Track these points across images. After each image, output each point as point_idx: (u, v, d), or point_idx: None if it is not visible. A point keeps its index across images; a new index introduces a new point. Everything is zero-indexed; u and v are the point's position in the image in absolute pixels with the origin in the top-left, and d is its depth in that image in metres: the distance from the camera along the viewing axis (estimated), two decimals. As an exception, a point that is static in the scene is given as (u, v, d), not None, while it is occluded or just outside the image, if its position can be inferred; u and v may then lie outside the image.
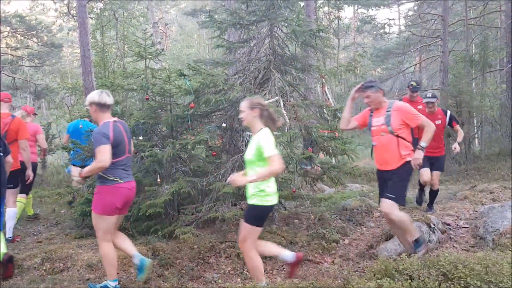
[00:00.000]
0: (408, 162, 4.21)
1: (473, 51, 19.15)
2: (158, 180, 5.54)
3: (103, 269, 4.45)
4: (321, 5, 23.58)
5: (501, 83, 17.78)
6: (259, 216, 3.67)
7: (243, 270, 4.61)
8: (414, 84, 6.78)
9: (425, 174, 6.20)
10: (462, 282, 3.29)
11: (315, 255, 5.01)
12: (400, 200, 4.18)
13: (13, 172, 5.05)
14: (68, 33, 26.15)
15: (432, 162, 6.31)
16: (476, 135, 14.87)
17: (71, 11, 16.30)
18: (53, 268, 4.53)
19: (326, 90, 7.16)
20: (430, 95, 6.42)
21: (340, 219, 6.07)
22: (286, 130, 5.56)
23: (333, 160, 6.71)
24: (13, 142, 5.53)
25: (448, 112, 6.43)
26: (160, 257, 4.72)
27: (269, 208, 3.72)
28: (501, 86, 16.89)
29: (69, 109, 16.14)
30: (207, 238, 5.25)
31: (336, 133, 6.05)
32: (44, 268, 4.54)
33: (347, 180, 9.35)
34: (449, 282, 3.34)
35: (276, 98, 5.65)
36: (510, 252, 3.86)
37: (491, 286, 3.23)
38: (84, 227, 6.09)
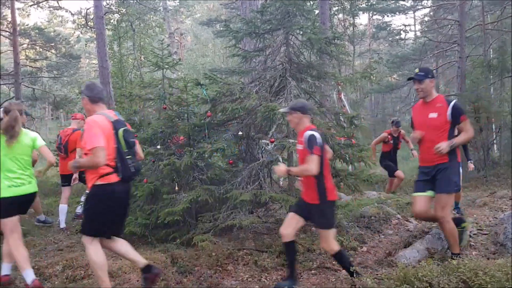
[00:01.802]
0: None
1: (491, 56, 18.88)
2: (176, 188, 5.61)
3: (123, 276, 4.52)
4: (336, 12, 23.59)
5: (520, 88, 17.50)
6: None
7: (261, 277, 4.62)
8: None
9: (418, 202, 4.45)
10: (483, 289, 3.26)
11: (333, 262, 4.97)
12: None
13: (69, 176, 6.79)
14: (86, 44, 26.53)
15: (434, 176, 4.38)
16: (495, 141, 14.64)
17: (89, 23, 16.60)
18: (74, 275, 4.60)
19: (342, 97, 7.16)
20: (418, 70, 4.65)
21: (357, 226, 6.04)
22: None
23: (350, 167, 6.69)
24: (73, 151, 6.88)
25: (452, 102, 4.33)
26: (179, 265, 4.76)
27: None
28: (520, 91, 16.61)
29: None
30: (224, 245, 5.28)
31: (353, 140, 6.04)
32: (65, 275, 4.60)
33: (364, 187, 9.29)
34: (470, 289, 3.31)
35: (292, 105, 5.67)
36: (532, 259, 3.79)
37: (513, 293, 3.19)
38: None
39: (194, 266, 4.78)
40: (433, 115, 4.36)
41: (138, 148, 4.09)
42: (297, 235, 4.67)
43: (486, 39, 17.78)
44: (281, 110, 4.60)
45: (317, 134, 3.96)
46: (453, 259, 4.12)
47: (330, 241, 4.04)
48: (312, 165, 3.85)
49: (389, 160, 8.93)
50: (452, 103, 4.30)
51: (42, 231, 6.90)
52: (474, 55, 19.20)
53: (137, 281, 4.39)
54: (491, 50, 19.35)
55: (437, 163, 4.30)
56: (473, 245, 5.06)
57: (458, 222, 4.59)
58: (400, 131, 8.85)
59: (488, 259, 4.53)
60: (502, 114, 13.51)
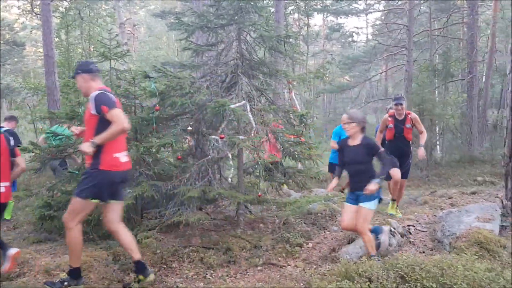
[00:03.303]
0: None
1: (437, 61, 19.77)
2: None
3: (61, 274, 4.33)
4: (291, 12, 23.82)
5: (462, 92, 18.43)
6: None
7: (206, 274, 4.58)
8: None
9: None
10: (419, 284, 3.39)
11: (279, 258, 5.03)
12: None
13: None
14: (31, 31, 25.33)
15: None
16: (437, 142, 15.34)
17: (35, 9, 15.85)
18: (8, 273, 4.36)
19: (293, 96, 7.21)
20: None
21: (304, 223, 6.12)
22: (252, 135, 5.58)
23: (299, 165, 6.77)
24: None
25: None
26: (121, 262, 4.63)
27: None
28: (462, 95, 17.51)
29: (31, 109, 15.65)
30: (170, 242, 5.20)
31: (302, 138, 6.11)
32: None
33: (314, 184, 9.46)
34: (407, 284, 3.43)
35: (243, 102, 5.66)
36: (465, 255, 3.98)
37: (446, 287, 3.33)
38: (43, 232, 5.90)
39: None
40: None
41: None
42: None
43: (433, 44, 18.57)
44: (232, 106, 4.59)
45: None
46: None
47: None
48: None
49: (392, 152, 6.41)
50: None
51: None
52: (421, 59, 20.04)
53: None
54: (437, 55, 20.26)
55: None
56: (412, 241, 5.26)
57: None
58: (406, 113, 6.49)
59: (425, 255, 4.72)
60: (445, 117, 14.18)
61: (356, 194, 4.52)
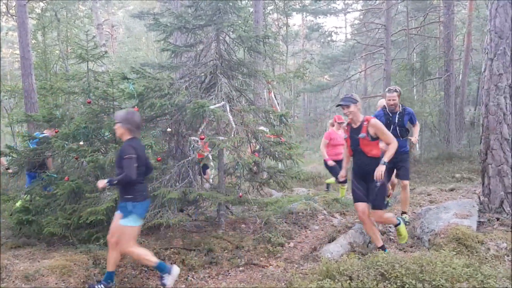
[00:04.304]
0: None
1: (414, 59, 20.05)
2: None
3: (40, 279, 4.26)
4: (270, 12, 23.85)
5: (439, 90, 18.74)
6: None
7: (188, 276, 4.56)
8: None
9: None
10: (399, 281, 3.43)
11: (261, 259, 5.04)
12: None
13: None
14: (6, 33, 24.76)
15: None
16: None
17: (10, 11, 15.51)
18: (-15, 280, 4.27)
19: (273, 96, 7.24)
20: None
21: (286, 222, 6.15)
22: (232, 135, 5.57)
23: (280, 164, 6.80)
24: None
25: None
26: (102, 266, 4.57)
27: None
28: (440, 93, 17.80)
29: (7, 112, 15.33)
30: (151, 245, 5.15)
31: (282, 138, 6.13)
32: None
33: (295, 184, 9.50)
34: (387, 281, 3.47)
35: (223, 103, 5.66)
36: (443, 251, 4.05)
37: (425, 284, 3.38)
38: (21, 236, 5.78)
39: (118, 267, 4.60)
40: None
41: None
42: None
43: (410, 43, 18.82)
44: (212, 107, 4.56)
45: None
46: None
47: None
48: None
49: (355, 173, 4.85)
50: None
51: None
52: (399, 58, 20.29)
53: (56, 283, 4.17)
54: (414, 54, 20.54)
55: None
56: (392, 239, 5.32)
57: None
58: (364, 118, 4.67)
59: (405, 252, 4.78)
60: (423, 115, 14.39)
61: None
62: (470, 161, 12.98)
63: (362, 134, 4.55)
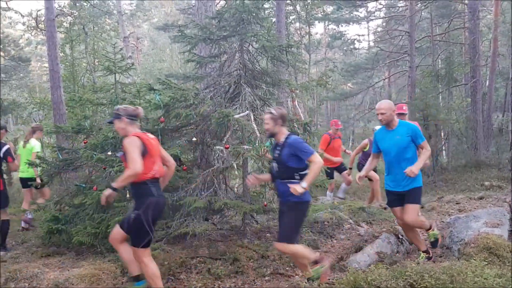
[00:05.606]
0: None
1: (439, 66, 19.76)
2: (128, 195, 5.45)
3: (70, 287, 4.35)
4: (292, 21, 23.94)
5: (466, 97, 18.37)
6: None
7: (214, 285, 4.57)
8: None
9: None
10: (428, 291, 3.36)
11: (287, 268, 5.01)
12: None
13: None
14: (36, 47, 25.62)
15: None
16: (443, 148, 15.27)
17: (39, 25, 16.04)
18: (18, 288, 4.39)
19: (296, 104, 7.25)
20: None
21: (311, 231, 6.10)
22: (256, 144, 5.59)
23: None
24: None
25: None
26: (129, 275, 4.62)
27: None
28: (467, 100, 17.45)
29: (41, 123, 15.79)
30: (177, 254, 5.19)
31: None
32: (8, 288, 4.38)
33: (319, 193, 9.43)
34: (416, 292, 3.40)
35: (247, 112, 5.69)
36: (474, 261, 3.95)
37: (456, 295, 3.31)
38: (51, 245, 5.92)
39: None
40: None
41: None
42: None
43: (435, 50, 18.57)
44: (236, 116, 4.61)
45: None
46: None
47: None
48: None
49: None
50: None
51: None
52: (424, 65, 20.02)
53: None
54: (439, 60, 20.26)
55: None
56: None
57: None
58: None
59: (434, 262, 4.69)
60: (450, 122, 14.12)
61: None
62: (499, 169, 12.63)
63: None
